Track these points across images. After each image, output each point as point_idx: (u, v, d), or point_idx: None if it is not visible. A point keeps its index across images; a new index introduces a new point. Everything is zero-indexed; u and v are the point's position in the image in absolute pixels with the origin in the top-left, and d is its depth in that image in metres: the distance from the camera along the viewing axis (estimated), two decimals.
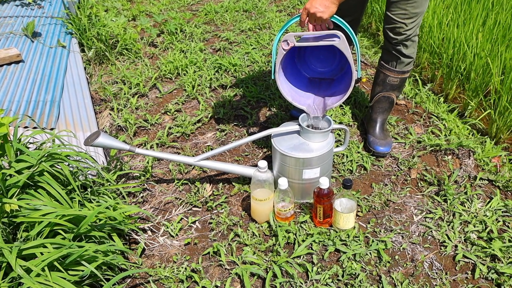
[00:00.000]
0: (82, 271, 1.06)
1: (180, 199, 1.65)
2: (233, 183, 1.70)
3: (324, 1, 1.33)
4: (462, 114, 2.18)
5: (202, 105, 2.20)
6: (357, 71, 1.39)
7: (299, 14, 1.41)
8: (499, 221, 1.47)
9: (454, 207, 1.53)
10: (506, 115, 2.01)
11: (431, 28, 2.56)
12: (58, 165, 1.24)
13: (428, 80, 2.54)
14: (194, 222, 1.55)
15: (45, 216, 1.06)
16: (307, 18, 1.39)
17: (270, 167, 1.55)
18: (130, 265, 1.33)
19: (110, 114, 2.16)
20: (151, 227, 1.53)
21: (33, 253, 1.00)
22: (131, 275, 1.33)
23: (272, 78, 1.43)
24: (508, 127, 2.03)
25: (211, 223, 1.53)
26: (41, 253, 1.00)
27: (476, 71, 2.20)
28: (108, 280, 1.20)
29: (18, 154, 1.22)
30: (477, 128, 2.06)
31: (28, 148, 1.29)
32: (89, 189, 1.36)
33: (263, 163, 1.40)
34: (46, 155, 1.19)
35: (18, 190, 1.13)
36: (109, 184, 1.46)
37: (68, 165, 1.31)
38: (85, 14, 2.70)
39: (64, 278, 1.00)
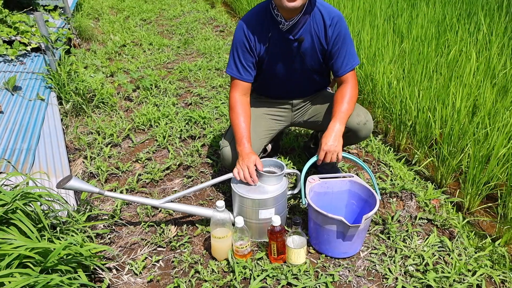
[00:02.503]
0: None
1: (146, 239, 1.75)
2: (197, 225, 1.82)
3: (335, 138, 1.68)
4: (413, 162, 2.41)
5: (172, 154, 2.36)
6: (377, 193, 1.64)
7: (315, 156, 1.72)
8: (435, 255, 1.63)
9: (396, 243, 1.69)
10: (447, 163, 2.24)
11: (382, 87, 2.87)
12: (31, 204, 1.35)
13: (383, 133, 2.80)
14: (157, 261, 1.64)
15: (16, 249, 1.16)
16: (325, 157, 1.69)
17: (230, 209, 1.69)
18: None
19: (83, 162, 2.28)
20: (116, 266, 1.62)
21: (1, 282, 1.09)
22: None
23: (304, 203, 1.63)
24: (451, 174, 2.26)
25: (173, 261, 1.64)
26: (9, 282, 1.09)
27: (420, 125, 2.47)
28: None
29: None
30: (425, 176, 2.28)
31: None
32: (58, 228, 1.46)
33: (220, 203, 1.54)
34: (20, 194, 1.31)
35: None
36: (78, 223, 1.56)
37: (41, 205, 1.42)
38: (65, 70, 2.90)
39: None
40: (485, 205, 2.04)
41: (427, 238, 1.72)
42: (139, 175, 2.18)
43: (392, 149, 2.52)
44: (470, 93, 2.45)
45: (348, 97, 1.76)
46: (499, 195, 2.01)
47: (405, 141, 2.64)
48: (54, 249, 1.22)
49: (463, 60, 2.86)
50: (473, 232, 1.85)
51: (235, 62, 1.79)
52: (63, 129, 2.49)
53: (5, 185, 1.51)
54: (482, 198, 2.02)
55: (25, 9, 3.91)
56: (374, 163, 2.27)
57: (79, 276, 1.35)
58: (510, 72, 2.68)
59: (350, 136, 1.88)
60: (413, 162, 2.38)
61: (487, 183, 2.01)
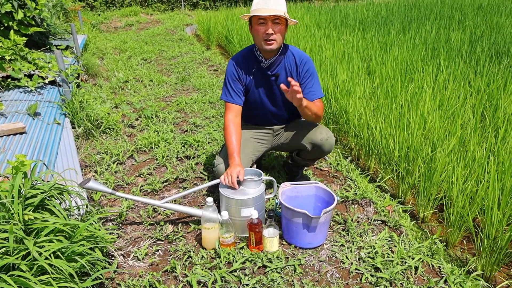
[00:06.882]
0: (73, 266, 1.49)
1: (147, 235, 2.10)
2: (190, 224, 2.18)
3: (300, 93, 2.03)
4: (377, 180, 2.80)
5: (169, 170, 2.75)
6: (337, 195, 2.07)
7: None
8: (384, 246, 2.00)
9: (354, 238, 2.06)
10: (405, 180, 2.65)
11: (353, 119, 3.32)
12: (62, 194, 1.72)
13: (355, 158, 3.22)
14: (157, 250, 2.00)
15: (53, 224, 1.52)
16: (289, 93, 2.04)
17: (218, 209, 2.07)
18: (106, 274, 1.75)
19: (94, 176, 2.66)
20: (123, 254, 1.96)
21: (43, 245, 1.45)
22: (105, 284, 1.74)
23: (278, 212, 2.15)
24: (409, 190, 2.65)
25: (170, 250, 1.99)
26: (48, 245, 1.44)
27: (384, 149, 2.90)
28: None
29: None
30: (388, 192, 2.66)
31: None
32: (79, 217, 1.83)
33: (210, 199, 1.92)
34: (54, 185, 1.68)
35: (33, 208, 1.59)
36: (93, 215, 1.92)
37: (71, 197, 1.79)
38: (78, 100, 3.33)
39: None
40: (437, 214, 2.42)
41: (379, 234, 2.09)
42: (142, 186, 2.55)
43: (360, 169, 2.92)
44: (423, 121, 2.90)
45: (316, 105, 2.20)
46: (444, 204, 2.40)
47: (374, 164, 3.06)
48: (79, 226, 1.58)
49: (422, 95, 3.35)
50: (420, 233, 2.23)
51: (228, 90, 2.24)
52: (76, 148, 2.88)
53: (42, 180, 1.88)
54: (433, 208, 2.40)
55: (41, 48, 4.40)
56: (341, 178, 2.67)
57: (95, 252, 1.70)
58: (460, 106, 3.15)
59: (316, 151, 2.30)
60: (377, 180, 2.78)
61: (439, 196, 2.40)
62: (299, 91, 1.99)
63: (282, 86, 2.01)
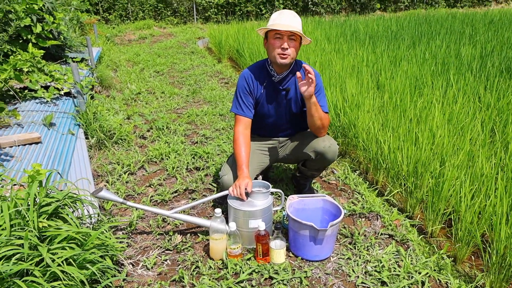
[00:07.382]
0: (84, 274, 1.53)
1: (156, 244, 2.14)
2: (198, 234, 2.21)
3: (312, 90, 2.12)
4: (385, 194, 2.81)
5: (179, 181, 2.79)
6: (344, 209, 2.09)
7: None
8: (391, 260, 2.00)
9: (361, 251, 2.06)
10: (413, 194, 2.65)
11: (362, 133, 3.34)
12: (76, 203, 1.78)
13: (364, 172, 3.23)
14: (166, 260, 2.03)
15: (66, 231, 1.57)
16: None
17: (227, 221, 2.10)
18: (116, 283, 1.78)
19: (105, 185, 2.72)
20: (132, 263, 2.00)
21: (56, 252, 1.49)
22: None
23: (285, 225, 2.17)
24: (418, 205, 2.65)
25: (178, 260, 2.02)
26: (61, 252, 1.49)
27: (392, 163, 2.91)
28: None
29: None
30: (397, 206, 2.66)
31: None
32: (91, 226, 1.87)
33: (218, 210, 1.96)
34: (68, 194, 1.74)
35: (47, 216, 1.65)
36: (104, 224, 1.96)
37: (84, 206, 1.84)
38: (92, 111, 3.42)
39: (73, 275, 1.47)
40: (445, 229, 2.42)
41: (386, 248, 2.10)
42: (152, 196, 2.60)
43: (368, 182, 2.93)
44: (432, 135, 2.91)
45: (323, 113, 2.25)
46: (452, 219, 2.39)
47: (382, 178, 3.07)
48: (91, 235, 1.63)
49: (431, 109, 3.36)
50: (428, 248, 2.22)
51: (239, 102, 2.29)
52: (89, 158, 2.95)
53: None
54: (441, 223, 2.39)
55: (58, 61, 4.54)
56: (349, 192, 2.69)
57: (106, 260, 1.74)
58: (469, 121, 3.15)
59: (319, 159, 2.32)
60: (385, 194, 2.78)
61: (447, 210, 2.40)
62: (313, 80, 2.05)
63: (298, 74, 2.08)
